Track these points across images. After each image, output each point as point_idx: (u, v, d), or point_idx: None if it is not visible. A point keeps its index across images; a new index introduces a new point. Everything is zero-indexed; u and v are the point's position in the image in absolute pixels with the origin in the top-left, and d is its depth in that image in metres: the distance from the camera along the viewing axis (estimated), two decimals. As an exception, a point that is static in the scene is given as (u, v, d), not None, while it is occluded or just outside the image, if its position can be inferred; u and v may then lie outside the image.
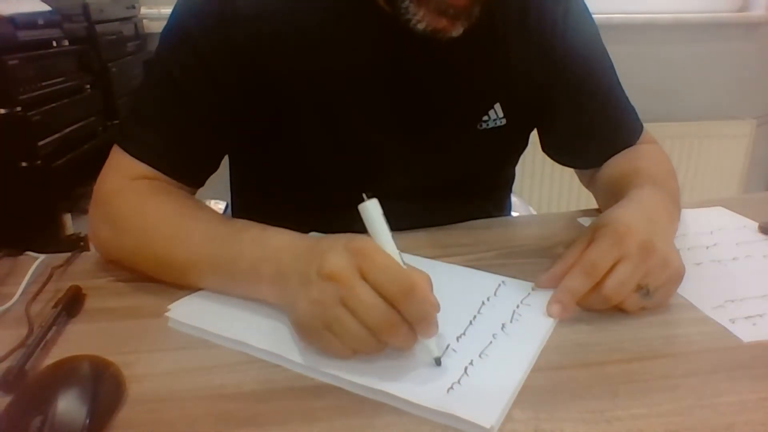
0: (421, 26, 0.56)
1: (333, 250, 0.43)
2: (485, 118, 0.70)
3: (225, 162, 0.81)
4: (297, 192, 0.73)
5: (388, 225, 0.44)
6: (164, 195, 0.61)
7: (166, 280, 0.56)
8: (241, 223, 0.55)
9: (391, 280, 0.41)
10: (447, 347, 0.46)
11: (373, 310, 0.41)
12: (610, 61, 0.74)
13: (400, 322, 0.41)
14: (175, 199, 0.61)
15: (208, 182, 0.69)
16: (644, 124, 0.78)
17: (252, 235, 0.52)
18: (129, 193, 0.61)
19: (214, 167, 0.69)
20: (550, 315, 0.50)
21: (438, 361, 0.43)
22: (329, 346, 0.43)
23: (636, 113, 0.77)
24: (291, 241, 0.50)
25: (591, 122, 0.74)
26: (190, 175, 0.65)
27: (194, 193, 0.68)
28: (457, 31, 0.57)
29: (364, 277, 0.41)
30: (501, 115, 0.70)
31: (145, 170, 0.62)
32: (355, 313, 0.41)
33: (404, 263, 0.43)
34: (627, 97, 0.76)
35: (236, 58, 0.62)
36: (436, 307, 0.43)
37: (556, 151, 0.79)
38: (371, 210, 0.44)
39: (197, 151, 0.65)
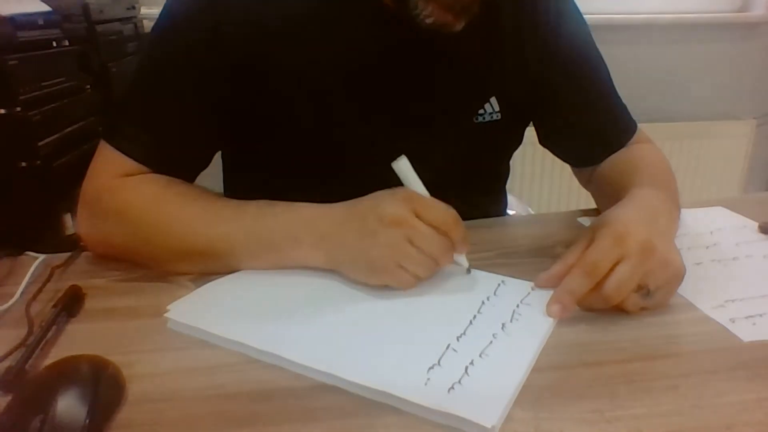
0: (428, 21, 0.58)
1: (386, 201, 0.53)
2: (481, 111, 0.70)
3: (219, 161, 0.81)
4: (292, 190, 0.73)
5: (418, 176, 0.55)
6: (177, 183, 0.62)
7: (182, 268, 0.58)
8: (263, 201, 0.60)
9: (442, 215, 0.53)
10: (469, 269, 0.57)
11: (434, 240, 0.52)
12: (603, 61, 0.75)
13: (450, 245, 0.53)
14: (188, 185, 0.63)
15: (203, 181, 0.69)
16: (644, 125, 0.78)
17: (281, 209, 0.58)
18: (133, 186, 0.61)
19: (204, 163, 0.69)
20: (550, 315, 0.50)
21: (469, 270, 0.57)
22: (400, 279, 0.53)
23: (629, 112, 0.77)
24: (321, 210, 0.57)
25: (583, 120, 0.74)
26: (179, 172, 0.65)
27: None
28: (460, 25, 0.59)
29: (420, 217, 0.52)
30: (497, 109, 0.70)
31: (134, 166, 0.62)
32: (420, 247, 0.52)
33: None
34: (619, 97, 0.76)
35: (226, 48, 0.61)
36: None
37: (551, 146, 0.80)
38: (405, 166, 0.55)
39: (186, 147, 0.65)
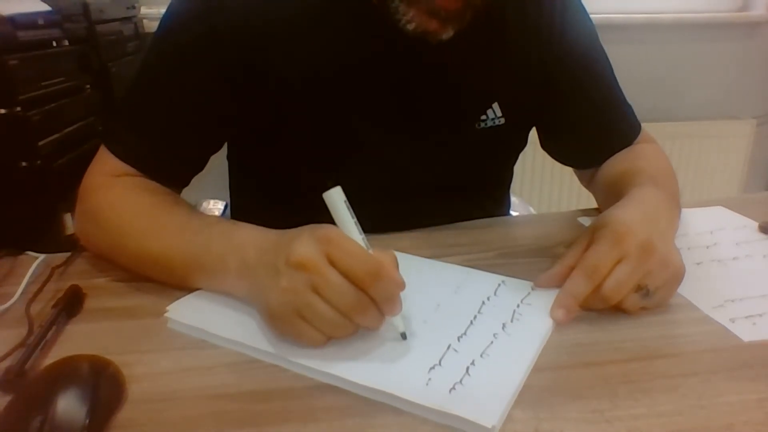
0: (410, 26, 0.56)
1: (299, 240, 0.44)
2: (483, 117, 0.70)
3: (224, 162, 0.81)
4: (294, 193, 0.73)
5: (351, 211, 0.46)
6: (143, 191, 0.62)
7: (142, 274, 0.57)
8: (214, 218, 0.57)
9: (358, 264, 0.43)
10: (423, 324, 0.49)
11: (344, 293, 0.42)
12: (608, 61, 0.74)
13: (368, 304, 0.43)
14: (153, 194, 0.62)
15: (208, 182, 0.69)
16: (644, 124, 0.78)
17: (221, 229, 0.54)
18: (109, 189, 0.62)
19: (198, 168, 0.69)
20: (554, 319, 0.50)
21: (404, 336, 0.46)
22: (302, 333, 0.44)
23: (633, 112, 0.77)
24: (256, 235, 0.51)
25: (589, 121, 0.74)
26: (171, 177, 0.66)
27: (179, 192, 0.68)
28: (447, 34, 0.57)
29: (333, 263, 0.43)
30: (499, 114, 0.70)
31: (128, 169, 0.63)
32: (326, 298, 0.43)
33: (369, 247, 0.45)
34: (624, 97, 0.76)
35: (222, 52, 0.61)
36: (401, 286, 0.44)
37: (554, 149, 0.79)
38: (335, 197, 0.45)
39: (178, 153, 0.65)
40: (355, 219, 0.46)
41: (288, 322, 0.44)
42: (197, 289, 0.54)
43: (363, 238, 0.46)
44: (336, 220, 0.46)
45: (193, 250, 0.53)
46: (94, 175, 0.64)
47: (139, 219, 0.59)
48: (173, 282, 0.55)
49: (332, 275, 0.42)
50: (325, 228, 0.45)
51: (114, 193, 0.61)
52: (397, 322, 0.46)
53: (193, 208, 0.62)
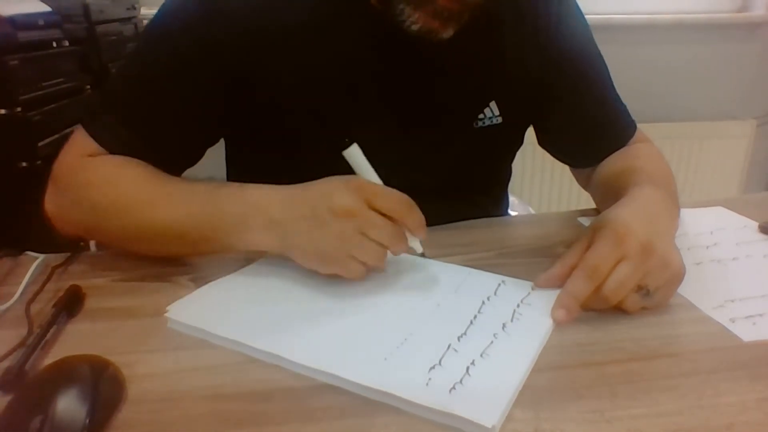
0: (415, 27, 0.57)
1: (338, 191, 0.51)
2: (481, 116, 0.70)
3: (222, 159, 0.81)
4: None
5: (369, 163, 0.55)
6: (138, 164, 0.61)
7: (141, 248, 0.58)
8: (215, 182, 0.59)
9: (394, 202, 0.52)
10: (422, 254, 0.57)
11: (387, 230, 0.51)
12: (603, 61, 0.75)
13: (402, 233, 0.53)
14: (147, 167, 0.61)
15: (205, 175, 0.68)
16: (644, 125, 0.78)
17: (228, 191, 0.57)
18: (95, 167, 0.61)
19: (191, 162, 0.69)
20: (555, 320, 0.50)
21: (424, 254, 0.57)
22: (350, 269, 0.52)
23: (628, 112, 0.77)
24: (272, 193, 0.55)
25: (584, 121, 0.74)
26: (164, 170, 0.64)
27: None
28: (447, 33, 0.58)
29: (372, 206, 0.50)
30: (497, 113, 0.70)
31: (103, 153, 0.62)
32: (373, 237, 0.51)
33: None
34: (619, 96, 0.76)
35: (217, 55, 0.61)
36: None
37: (551, 147, 0.80)
38: (356, 152, 0.55)
39: (162, 148, 0.64)
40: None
41: (339, 262, 0.52)
42: (207, 255, 0.58)
43: (382, 183, 0.54)
44: (359, 171, 0.55)
45: (205, 215, 0.56)
46: (70, 155, 0.63)
47: (138, 191, 0.59)
48: (180, 250, 0.58)
49: (376, 218, 0.50)
50: (354, 178, 0.53)
51: (105, 169, 0.61)
52: (417, 245, 0.56)
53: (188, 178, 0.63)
